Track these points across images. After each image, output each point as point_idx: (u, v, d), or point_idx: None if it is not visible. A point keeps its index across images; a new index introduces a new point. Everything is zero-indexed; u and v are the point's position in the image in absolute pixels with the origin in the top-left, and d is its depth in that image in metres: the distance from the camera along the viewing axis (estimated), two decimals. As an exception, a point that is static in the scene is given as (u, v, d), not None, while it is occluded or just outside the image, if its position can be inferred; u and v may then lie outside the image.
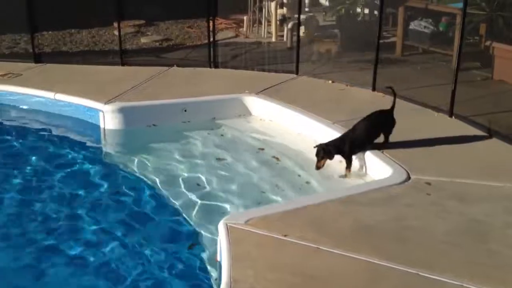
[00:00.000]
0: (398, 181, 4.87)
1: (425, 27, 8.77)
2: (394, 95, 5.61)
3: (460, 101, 6.32)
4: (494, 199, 4.62)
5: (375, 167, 5.33)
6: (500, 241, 4.03)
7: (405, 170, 5.04)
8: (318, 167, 5.28)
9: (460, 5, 6.49)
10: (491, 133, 5.79)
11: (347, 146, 5.30)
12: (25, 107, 7.75)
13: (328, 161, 5.33)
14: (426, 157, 5.36)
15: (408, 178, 4.92)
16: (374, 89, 7.31)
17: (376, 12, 9.28)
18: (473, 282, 3.54)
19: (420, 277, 3.60)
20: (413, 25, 8.93)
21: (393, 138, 5.76)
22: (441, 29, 8.75)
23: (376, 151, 5.47)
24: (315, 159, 5.85)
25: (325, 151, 5.23)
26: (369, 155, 5.46)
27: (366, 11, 10.07)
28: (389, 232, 4.14)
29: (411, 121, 6.31)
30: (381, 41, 7.28)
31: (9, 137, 7.03)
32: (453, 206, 4.50)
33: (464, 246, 3.98)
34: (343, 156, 5.36)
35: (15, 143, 6.86)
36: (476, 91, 7.17)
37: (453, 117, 6.31)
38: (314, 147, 5.34)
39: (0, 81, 8.05)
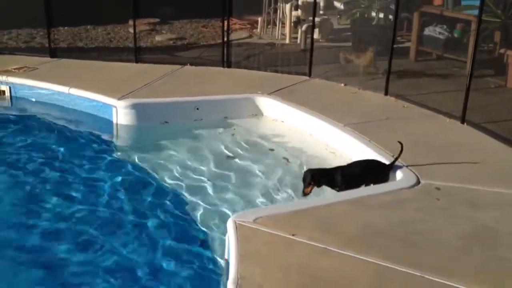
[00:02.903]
0: (408, 185, 4.86)
1: (439, 33, 8.75)
2: (401, 150, 5.10)
3: (472, 108, 6.31)
4: (505, 206, 4.60)
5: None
6: (509, 248, 4.01)
7: (415, 174, 5.03)
8: (305, 194, 4.94)
9: (476, 12, 6.47)
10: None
11: (338, 177, 4.99)
12: (39, 100, 7.84)
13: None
14: (437, 162, 5.34)
15: (418, 182, 4.91)
16: (386, 93, 7.31)
17: (391, 17, 9.27)
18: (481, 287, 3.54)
19: (427, 281, 3.59)
20: (427, 31, 8.93)
21: (405, 142, 5.75)
22: (455, 35, 8.73)
23: (386, 153, 5.46)
24: (324, 161, 5.90)
25: (312, 178, 4.91)
26: (379, 159, 5.44)
27: (381, 15, 10.07)
28: (397, 236, 4.14)
29: (422, 126, 6.33)
30: (395, 45, 7.28)
31: (22, 130, 7.11)
32: (462, 212, 4.49)
33: (472, 252, 3.97)
34: (333, 187, 5.05)
35: (27, 136, 6.92)
36: (489, 98, 7.14)
37: (465, 123, 6.30)
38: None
39: (16, 74, 8.16)
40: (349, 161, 5.61)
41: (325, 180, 4.98)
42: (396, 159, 5.10)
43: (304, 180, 4.98)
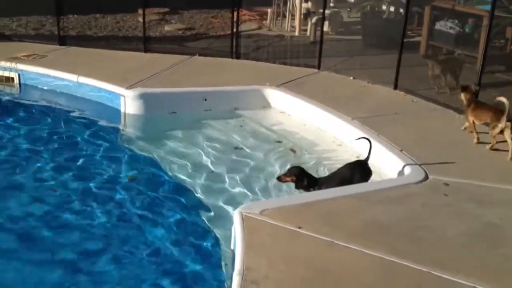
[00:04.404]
0: (416, 181, 4.84)
1: (450, 27, 8.68)
2: (370, 146, 5.04)
3: (482, 104, 6.26)
4: (512, 204, 4.59)
5: (394, 165, 5.29)
6: (515, 246, 4.00)
7: (423, 169, 5.01)
8: (279, 178, 4.96)
9: (488, 7, 6.41)
10: None
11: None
12: (48, 88, 7.85)
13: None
14: (446, 158, 5.31)
15: (426, 178, 4.89)
16: (395, 87, 7.27)
17: (401, 11, 9.21)
18: (486, 285, 3.52)
19: (433, 276, 3.59)
20: (438, 25, 8.85)
21: (413, 137, 5.75)
22: (467, 30, 8.66)
23: (394, 148, 5.44)
24: (331, 154, 5.89)
25: (297, 177, 4.85)
26: (387, 153, 5.43)
27: (392, 9, 10.00)
28: (403, 231, 4.13)
29: (432, 121, 6.29)
30: (405, 40, 7.23)
31: (30, 117, 7.14)
32: (469, 208, 4.47)
33: (478, 249, 3.96)
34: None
35: (35, 123, 6.95)
36: (499, 95, 7.06)
37: (474, 119, 6.25)
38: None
39: (25, 61, 8.17)
40: (357, 155, 5.59)
41: (306, 186, 4.87)
42: (369, 152, 5.01)
43: (289, 171, 4.96)
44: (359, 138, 5.36)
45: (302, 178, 4.85)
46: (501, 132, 5.32)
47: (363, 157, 5.16)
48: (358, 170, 4.98)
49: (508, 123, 5.23)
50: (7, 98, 7.74)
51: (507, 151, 5.35)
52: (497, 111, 5.40)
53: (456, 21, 8.72)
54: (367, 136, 5.25)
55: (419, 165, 5.10)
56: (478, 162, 5.29)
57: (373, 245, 3.87)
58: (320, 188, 4.84)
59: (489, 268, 3.74)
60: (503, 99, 5.25)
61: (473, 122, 5.71)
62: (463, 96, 5.86)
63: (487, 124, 5.58)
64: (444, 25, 8.77)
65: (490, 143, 5.49)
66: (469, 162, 5.27)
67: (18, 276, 4.23)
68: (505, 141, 5.35)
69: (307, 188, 4.87)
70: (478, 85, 6.12)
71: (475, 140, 5.64)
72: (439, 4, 9.03)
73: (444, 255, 3.85)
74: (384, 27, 9.45)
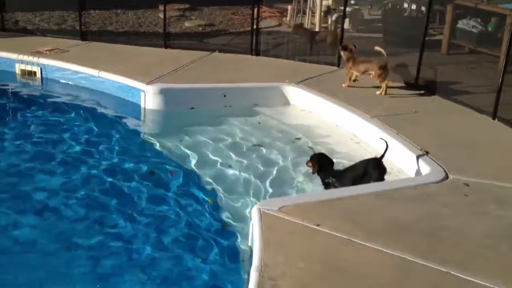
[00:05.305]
0: (436, 180, 4.80)
1: (473, 26, 8.58)
2: (386, 147, 5.04)
3: (504, 104, 6.19)
4: (534, 205, 4.52)
5: (413, 164, 5.25)
6: (537, 248, 3.95)
7: (444, 169, 4.97)
8: (307, 164, 5.18)
9: (511, 5, 6.33)
10: None
11: (334, 183, 4.96)
12: (69, 82, 7.94)
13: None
14: (466, 158, 5.26)
15: (446, 177, 4.85)
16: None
17: (423, 9, 9.12)
18: (506, 287, 3.48)
19: (452, 277, 3.56)
20: (461, 24, 8.76)
21: (433, 136, 5.70)
22: (489, 29, 8.55)
23: (413, 147, 5.40)
24: (350, 152, 5.86)
25: (314, 161, 5.06)
26: (407, 152, 5.39)
27: (413, 7, 9.90)
28: (422, 230, 4.10)
29: (452, 120, 6.24)
30: (427, 38, 7.16)
31: (52, 111, 7.22)
32: (490, 209, 4.42)
33: (499, 250, 3.91)
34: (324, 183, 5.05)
35: (56, 117, 7.03)
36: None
37: (496, 119, 6.19)
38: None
39: (47, 56, 8.27)
40: (376, 154, 5.56)
41: (323, 173, 5.00)
42: (383, 154, 5.03)
43: (312, 157, 5.14)
44: (381, 139, 5.27)
45: (320, 166, 5.00)
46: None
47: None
48: (372, 166, 4.98)
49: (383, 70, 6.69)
50: (29, 91, 7.86)
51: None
52: (374, 62, 6.82)
53: (479, 20, 8.62)
54: (385, 139, 5.16)
55: (439, 164, 5.05)
56: (498, 162, 5.22)
57: (392, 244, 3.85)
58: (333, 179, 4.93)
59: (510, 269, 3.70)
60: (381, 49, 6.68)
61: (352, 74, 7.10)
62: (343, 54, 7.13)
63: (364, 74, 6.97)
64: (466, 24, 8.68)
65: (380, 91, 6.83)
66: (490, 162, 5.21)
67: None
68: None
69: (319, 173, 5.02)
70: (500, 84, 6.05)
71: (344, 85, 7.12)
72: (461, 3, 8.92)
73: (463, 255, 3.81)
74: (405, 25, 9.37)
